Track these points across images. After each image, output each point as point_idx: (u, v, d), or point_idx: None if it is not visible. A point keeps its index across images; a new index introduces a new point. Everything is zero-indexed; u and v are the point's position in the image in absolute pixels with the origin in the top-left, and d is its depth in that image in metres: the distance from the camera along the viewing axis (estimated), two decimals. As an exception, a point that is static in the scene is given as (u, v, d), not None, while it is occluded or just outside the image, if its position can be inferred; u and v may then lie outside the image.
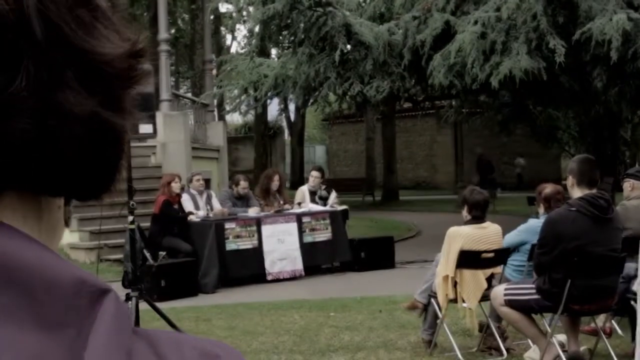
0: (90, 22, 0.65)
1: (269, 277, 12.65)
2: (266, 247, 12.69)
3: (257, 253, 12.61)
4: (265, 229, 12.74)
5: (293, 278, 12.84)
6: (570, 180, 6.66)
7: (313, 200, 13.90)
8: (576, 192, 6.62)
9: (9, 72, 0.61)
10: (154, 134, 7.41)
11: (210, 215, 12.72)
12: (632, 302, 6.63)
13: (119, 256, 13.41)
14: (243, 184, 13.50)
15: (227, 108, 21.38)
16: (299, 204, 13.78)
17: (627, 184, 8.44)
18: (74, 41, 0.63)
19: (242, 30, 47.51)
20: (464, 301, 7.40)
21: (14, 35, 0.61)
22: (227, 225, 12.41)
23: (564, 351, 6.90)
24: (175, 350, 0.67)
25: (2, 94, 0.60)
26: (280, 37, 18.15)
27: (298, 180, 36.69)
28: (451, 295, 7.39)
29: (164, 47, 19.11)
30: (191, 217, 12.64)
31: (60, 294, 0.62)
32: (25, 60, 0.61)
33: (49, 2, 0.62)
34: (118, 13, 0.69)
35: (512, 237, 8.01)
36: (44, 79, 0.62)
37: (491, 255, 7.45)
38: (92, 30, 0.65)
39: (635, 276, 6.03)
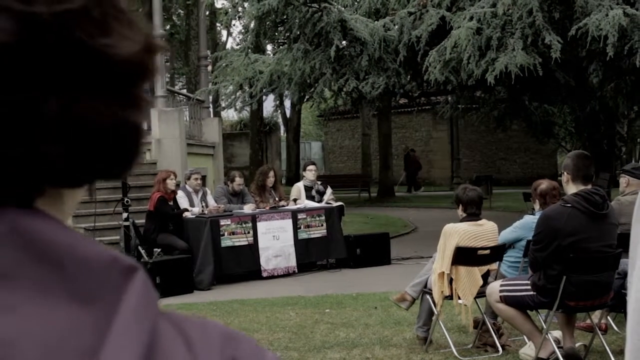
0: (105, 20, 0.64)
1: (264, 274, 12.64)
2: (261, 243, 12.68)
3: (252, 250, 12.59)
4: (261, 226, 12.72)
5: (287, 275, 12.83)
6: (565, 176, 6.65)
7: (309, 197, 13.88)
8: (571, 188, 6.61)
9: (36, 89, 0.61)
10: (148, 131, 7.39)
11: (205, 212, 12.69)
12: (627, 298, 6.61)
13: (114, 253, 13.39)
14: (238, 180, 13.48)
15: (223, 104, 21.43)
16: (295, 200, 13.76)
17: (623, 180, 8.46)
18: (92, 44, 0.63)
19: (237, 26, 47.48)
20: (459, 298, 7.39)
21: (32, 49, 0.60)
22: (222, 222, 12.39)
23: (559, 347, 6.89)
24: (199, 330, 0.70)
25: (33, 115, 0.61)
26: (276, 33, 18.12)
27: (294, 176, 36.70)
28: (447, 292, 7.38)
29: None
30: (186, 214, 12.61)
31: (92, 270, 0.64)
32: (48, 74, 0.61)
33: (60, 7, 0.61)
34: (130, 3, 0.69)
35: (507, 234, 8.00)
36: (69, 91, 0.62)
37: (487, 252, 7.44)
38: (108, 29, 0.64)
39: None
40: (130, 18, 0.67)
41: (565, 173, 6.64)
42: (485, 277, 7.59)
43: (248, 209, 12.98)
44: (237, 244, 12.48)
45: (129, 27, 0.67)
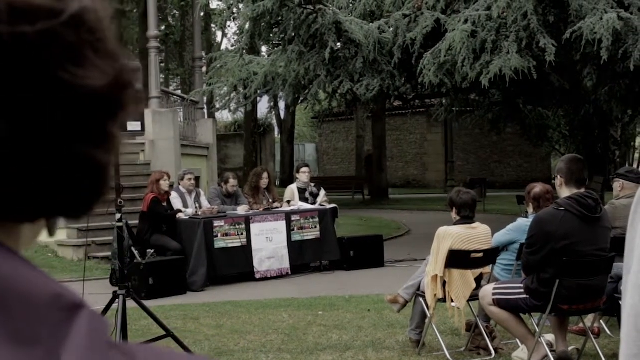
0: (79, 47, 0.61)
1: (258, 276, 12.62)
2: (255, 245, 12.66)
3: (245, 251, 12.58)
4: (254, 227, 12.71)
5: (280, 276, 12.82)
6: (558, 180, 6.65)
7: (302, 198, 13.87)
8: (565, 192, 6.61)
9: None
10: (142, 132, 7.35)
11: (199, 213, 12.67)
12: (621, 302, 6.61)
13: (107, 254, 13.38)
14: (232, 182, 13.47)
15: (217, 105, 21.43)
16: (288, 202, 13.75)
17: (617, 184, 8.45)
18: (56, 72, 0.59)
19: (232, 28, 47.46)
20: (452, 301, 7.38)
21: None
22: (216, 223, 12.37)
23: (552, 351, 6.89)
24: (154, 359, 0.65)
25: None
26: (271, 35, 18.09)
27: (288, 178, 36.67)
28: (440, 295, 7.37)
29: (153, 43, 19.07)
30: (180, 215, 12.59)
31: (34, 309, 0.60)
32: (10, 100, 0.58)
33: (22, 28, 0.58)
34: (111, 29, 0.64)
35: (501, 236, 8.00)
36: (23, 118, 0.59)
37: (480, 255, 7.44)
38: (80, 58, 0.61)
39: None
40: (108, 47, 0.63)
41: (558, 176, 6.65)
42: (479, 280, 7.59)
43: (242, 210, 12.96)
44: (230, 245, 12.46)
45: (104, 57, 0.63)
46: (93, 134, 0.63)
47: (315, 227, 13.41)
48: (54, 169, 0.61)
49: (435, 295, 7.37)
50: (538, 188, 7.91)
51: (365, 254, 13.78)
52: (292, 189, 14.12)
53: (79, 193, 0.64)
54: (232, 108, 22.22)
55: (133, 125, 7.10)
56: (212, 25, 41.56)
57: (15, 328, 0.58)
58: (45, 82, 0.59)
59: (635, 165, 40.49)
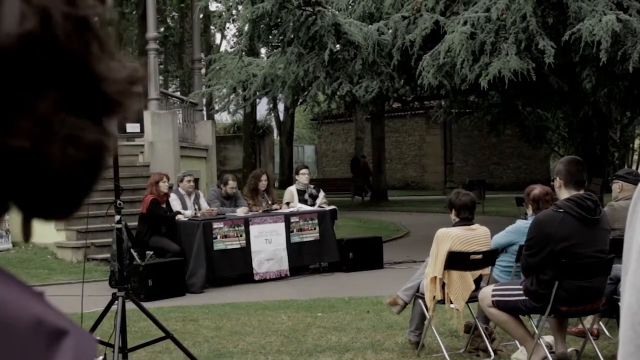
0: (95, 48, 0.63)
1: (256, 277, 12.62)
2: (254, 247, 12.66)
3: (244, 253, 12.58)
4: (253, 229, 12.71)
5: (279, 278, 12.82)
6: (558, 182, 6.64)
7: (302, 200, 13.87)
8: (564, 194, 6.61)
9: (34, 96, 0.59)
10: (141, 133, 7.35)
11: (198, 214, 12.67)
12: (620, 304, 6.61)
13: (106, 255, 13.38)
14: (231, 183, 13.47)
15: (216, 107, 21.42)
16: (288, 203, 13.75)
17: (616, 186, 8.45)
18: (83, 58, 0.61)
19: (231, 29, 47.46)
20: (451, 302, 7.39)
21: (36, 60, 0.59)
22: (215, 225, 12.37)
23: (551, 352, 6.89)
24: None
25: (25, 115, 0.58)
26: (270, 37, 18.10)
27: (287, 180, 36.65)
28: (439, 297, 7.38)
29: (152, 45, 19.07)
30: (179, 217, 12.59)
31: (16, 335, 0.57)
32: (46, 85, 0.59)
33: (63, 27, 0.60)
34: (110, 38, 0.66)
35: (500, 238, 8.00)
36: (58, 106, 0.60)
37: (479, 256, 7.44)
38: (98, 55, 0.63)
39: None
40: (111, 48, 0.65)
41: (557, 178, 6.64)
42: (478, 281, 7.59)
43: (241, 212, 12.96)
44: (229, 247, 12.46)
45: (113, 59, 0.65)
46: (104, 122, 0.64)
47: (315, 228, 13.41)
48: (80, 157, 0.62)
49: (434, 296, 7.37)
50: (537, 190, 7.91)
51: (365, 255, 13.78)
52: (292, 191, 14.12)
53: (72, 187, 0.64)
54: (231, 110, 22.21)
55: (132, 127, 7.10)
56: (212, 27, 41.56)
57: None
58: (79, 69, 0.61)
59: (634, 167, 40.50)
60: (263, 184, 13.66)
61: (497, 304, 6.93)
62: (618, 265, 6.66)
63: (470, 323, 7.71)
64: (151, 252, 11.95)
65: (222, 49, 43.78)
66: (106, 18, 0.66)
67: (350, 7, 18.35)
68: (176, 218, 12.56)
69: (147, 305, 8.35)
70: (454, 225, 7.57)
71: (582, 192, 6.62)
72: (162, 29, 37.95)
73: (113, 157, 7.20)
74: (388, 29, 16.69)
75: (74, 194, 0.65)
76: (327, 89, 17.57)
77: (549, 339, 7.24)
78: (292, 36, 16.63)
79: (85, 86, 0.61)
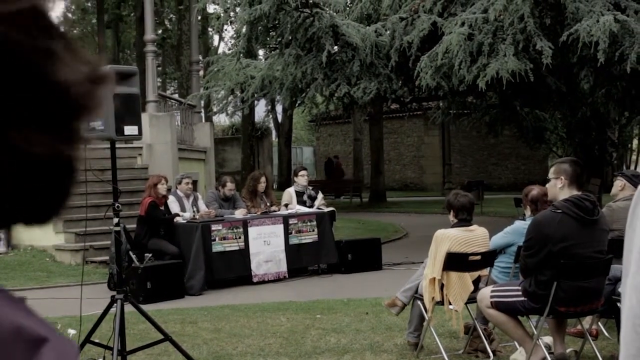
0: (49, 47, 0.60)
1: (255, 279, 12.62)
2: (252, 249, 12.66)
3: (243, 255, 12.58)
4: (252, 231, 12.70)
5: (278, 280, 12.82)
6: (561, 181, 6.60)
7: (300, 202, 13.87)
8: (565, 194, 6.60)
9: None
10: (139, 136, 7.34)
11: (197, 217, 12.67)
12: (619, 304, 6.62)
13: (105, 258, 13.38)
14: (230, 185, 13.47)
15: (214, 109, 21.35)
16: (286, 205, 13.75)
17: (619, 183, 8.35)
18: (35, 69, 0.58)
19: (229, 31, 47.51)
20: (450, 303, 7.39)
21: None
22: (214, 227, 12.37)
23: (550, 353, 6.89)
24: None
25: None
26: (268, 38, 18.10)
27: (285, 181, 36.66)
28: (438, 298, 7.38)
29: (150, 47, 19.08)
30: (177, 219, 12.59)
31: None
32: None
33: (10, 29, 0.57)
34: (74, 32, 0.62)
35: (498, 239, 8.00)
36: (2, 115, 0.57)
37: (478, 257, 7.44)
38: (49, 53, 0.59)
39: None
40: (77, 49, 0.62)
41: (562, 178, 6.60)
42: (476, 282, 7.60)
43: (239, 214, 12.95)
44: (228, 249, 12.46)
45: (74, 56, 0.62)
46: (66, 130, 0.61)
47: (313, 230, 13.41)
48: (23, 167, 0.59)
49: (433, 298, 7.37)
50: (536, 190, 7.91)
51: (363, 257, 13.78)
52: (290, 192, 14.13)
53: (45, 192, 0.62)
54: (229, 112, 22.22)
55: (130, 130, 7.09)
56: (209, 29, 41.61)
57: None
58: (27, 80, 0.58)
59: (632, 167, 40.55)
60: (262, 185, 13.66)
61: (496, 305, 6.93)
62: (616, 265, 6.66)
63: (469, 324, 7.71)
64: (150, 255, 11.95)
65: (220, 50, 43.82)
66: (54, 8, 0.62)
67: (347, 8, 18.35)
68: (175, 220, 12.55)
69: (145, 307, 8.35)
70: (453, 227, 7.57)
71: (580, 192, 6.62)
72: (160, 31, 37.97)
73: (111, 160, 7.20)
74: (386, 30, 16.70)
75: (44, 204, 0.63)
76: (325, 91, 17.58)
77: (548, 339, 7.24)
78: (290, 38, 16.64)
79: (39, 93, 0.59)
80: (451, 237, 7.38)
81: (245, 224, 12.69)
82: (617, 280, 6.77)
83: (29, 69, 0.58)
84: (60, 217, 0.67)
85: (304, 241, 13.29)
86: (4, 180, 0.58)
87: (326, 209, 14.01)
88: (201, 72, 23.91)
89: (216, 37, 47.68)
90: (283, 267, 12.98)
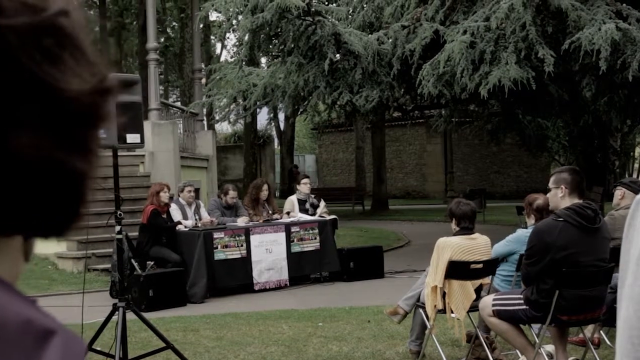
0: (57, 53, 0.59)
1: (256, 287, 12.61)
2: (254, 256, 12.66)
3: (245, 263, 12.58)
4: (254, 239, 12.71)
5: (279, 288, 12.82)
6: (562, 190, 6.60)
7: (302, 210, 13.88)
8: (566, 202, 6.60)
9: None
10: (142, 143, 7.35)
11: (199, 224, 12.68)
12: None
13: (107, 266, 13.38)
14: (232, 193, 13.48)
15: (217, 117, 21.44)
16: (288, 213, 13.76)
17: (619, 192, 8.41)
18: (36, 74, 0.58)
19: (231, 39, 47.56)
20: (452, 312, 7.38)
21: None
22: (216, 235, 12.37)
23: (552, 362, 6.88)
24: None
25: None
26: (270, 46, 18.12)
27: (287, 189, 36.65)
28: (440, 306, 7.37)
29: (152, 55, 19.10)
30: (179, 227, 12.59)
31: (4, 337, 0.57)
32: None
33: (8, 30, 0.57)
34: (90, 39, 0.62)
35: (500, 247, 8.00)
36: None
37: (480, 266, 7.43)
38: (58, 62, 0.59)
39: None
40: (88, 57, 0.62)
41: (563, 187, 6.60)
42: (478, 291, 7.59)
43: (241, 222, 12.96)
44: (230, 257, 12.46)
45: (84, 65, 0.62)
46: (71, 139, 0.61)
47: (315, 238, 13.41)
48: (29, 176, 0.59)
49: (435, 306, 7.37)
50: (541, 199, 7.88)
51: (365, 265, 13.78)
52: (292, 200, 14.13)
53: (57, 204, 0.62)
54: (231, 119, 22.25)
55: (132, 137, 7.11)
56: (212, 37, 41.65)
57: None
58: (28, 84, 0.57)
59: (634, 175, 40.51)
60: (264, 193, 13.67)
61: (498, 313, 6.93)
62: (618, 274, 6.65)
63: (471, 332, 7.71)
64: (152, 263, 11.96)
65: (222, 58, 43.89)
66: (77, 17, 0.62)
67: (350, 16, 18.37)
68: (177, 228, 12.56)
69: (147, 315, 8.36)
70: (455, 235, 7.57)
71: (581, 201, 6.62)
72: (162, 39, 38.02)
73: (113, 167, 7.22)
74: (388, 39, 16.71)
75: (53, 215, 0.63)
76: (327, 99, 17.58)
77: (550, 348, 7.23)
78: (292, 46, 16.65)
79: (43, 101, 0.58)
80: (453, 245, 7.38)
81: (247, 231, 12.69)
82: (619, 288, 6.76)
83: (33, 76, 0.58)
84: (77, 228, 0.66)
85: (306, 249, 13.29)
86: (6, 186, 0.59)
87: (328, 217, 14.01)
88: (203, 80, 23.91)
89: (218, 45, 47.74)
90: (285, 275, 12.98)
